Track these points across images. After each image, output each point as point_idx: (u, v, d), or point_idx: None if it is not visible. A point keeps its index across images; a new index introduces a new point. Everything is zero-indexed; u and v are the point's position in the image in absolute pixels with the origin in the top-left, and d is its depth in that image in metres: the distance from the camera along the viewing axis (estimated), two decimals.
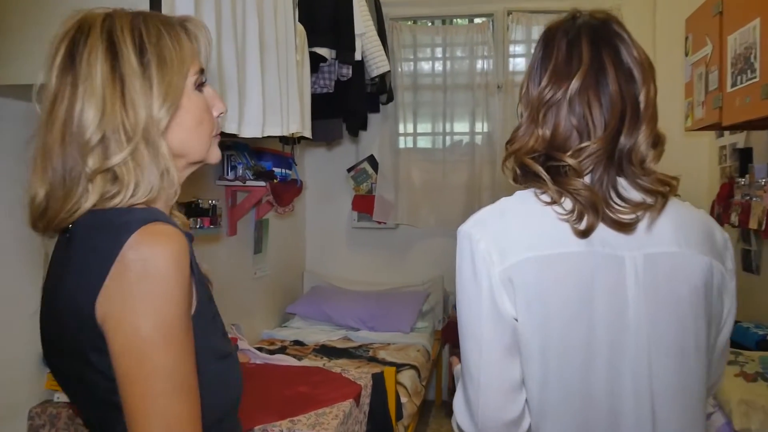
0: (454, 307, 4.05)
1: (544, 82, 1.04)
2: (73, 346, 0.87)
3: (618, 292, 0.97)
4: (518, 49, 4.15)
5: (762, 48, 2.29)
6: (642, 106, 1.02)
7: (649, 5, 3.97)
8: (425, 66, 4.31)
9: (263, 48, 2.08)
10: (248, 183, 3.11)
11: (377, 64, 3.31)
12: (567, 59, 1.03)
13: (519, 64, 4.17)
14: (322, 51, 2.94)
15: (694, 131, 2.69)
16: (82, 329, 0.84)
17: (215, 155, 1.05)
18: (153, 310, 0.82)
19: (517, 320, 0.97)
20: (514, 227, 1.00)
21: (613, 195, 0.99)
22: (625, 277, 0.97)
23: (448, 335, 3.95)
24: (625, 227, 0.97)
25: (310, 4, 2.90)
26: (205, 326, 0.93)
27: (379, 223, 4.27)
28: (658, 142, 1.03)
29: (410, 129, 4.31)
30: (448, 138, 4.27)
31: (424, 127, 4.32)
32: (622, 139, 1.00)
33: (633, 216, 0.97)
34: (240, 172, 3.14)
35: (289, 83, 2.32)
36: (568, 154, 1.00)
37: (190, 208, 2.36)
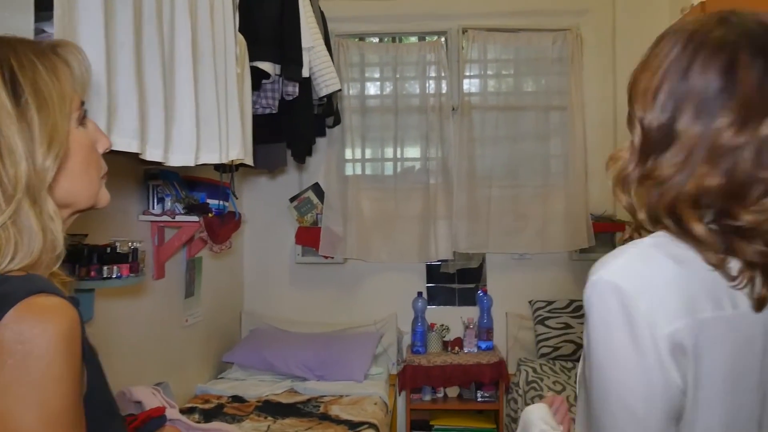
0: (411, 349, 3.70)
1: (725, 119, 0.78)
2: None
3: None
4: (474, 69, 3.87)
5: None
6: None
7: (608, 25, 3.79)
8: (374, 87, 3.97)
9: (197, 57, 1.68)
10: (178, 218, 2.67)
11: (327, 82, 2.94)
12: (761, 87, 0.78)
13: (475, 84, 3.89)
14: (265, 65, 2.55)
15: None
16: None
17: (105, 199, 0.92)
18: (38, 401, 0.71)
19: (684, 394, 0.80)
20: (670, 281, 0.80)
21: None
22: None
23: (405, 381, 3.57)
24: None
25: (250, 11, 2.51)
26: (98, 408, 0.82)
27: (326, 257, 3.86)
28: None
29: (358, 155, 3.95)
30: (399, 164, 3.93)
31: (373, 152, 3.98)
32: None
33: None
34: (168, 205, 2.70)
35: (229, 100, 1.92)
36: (751, 208, 0.77)
37: (105, 254, 1.92)
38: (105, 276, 1.90)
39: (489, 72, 3.88)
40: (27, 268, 0.78)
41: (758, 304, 0.79)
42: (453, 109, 3.84)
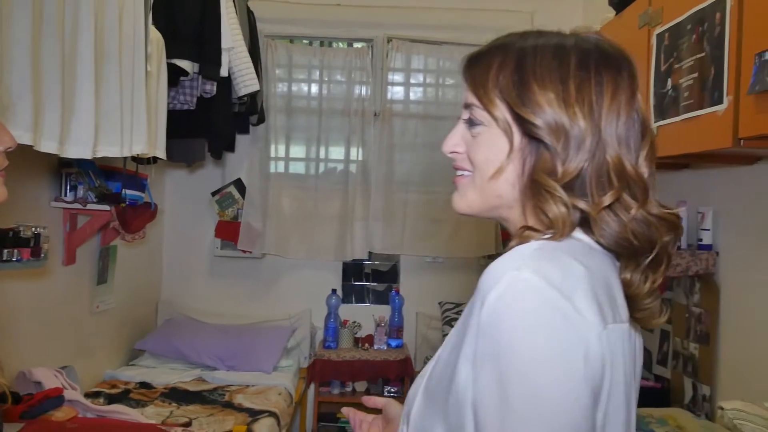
0: (323, 344, 3.83)
1: (642, 156, 0.84)
2: None
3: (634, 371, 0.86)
4: (397, 77, 4.04)
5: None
6: None
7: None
8: (301, 88, 4.09)
9: (100, 56, 1.77)
10: (90, 206, 2.73)
11: (246, 82, 3.04)
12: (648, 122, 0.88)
13: (398, 92, 4.05)
14: (183, 63, 2.64)
15: None
16: None
17: (1, 194, 0.96)
18: None
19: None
20: (586, 283, 0.75)
21: None
22: (635, 349, 0.86)
23: (314, 374, 3.71)
24: None
25: (170, 9, 2.60)
26: None
27: (244, 252, 3.97)
28: None
29: (282, 153, 4.05)
30: (322, 164, 4.06)
31: (296, 151, 4.09)
32: None
33: None
34: (81, 193, 2.76)
35: (135, 97, 2.01)
36: None
37: (7, 238, 1.98)
38: (5, 259, 1.97)
39: (412, 81, 4.05)
40: None
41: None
42: (375, 114, 3.99)
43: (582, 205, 0.79)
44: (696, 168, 2.50)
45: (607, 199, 0.79)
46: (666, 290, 2.66)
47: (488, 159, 0.84)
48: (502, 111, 0.82)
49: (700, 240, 2.40)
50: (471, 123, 0.87)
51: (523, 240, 0.80)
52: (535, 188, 0.81)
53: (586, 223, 0.81)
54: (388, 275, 4.16)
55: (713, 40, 1.77)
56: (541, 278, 0.70)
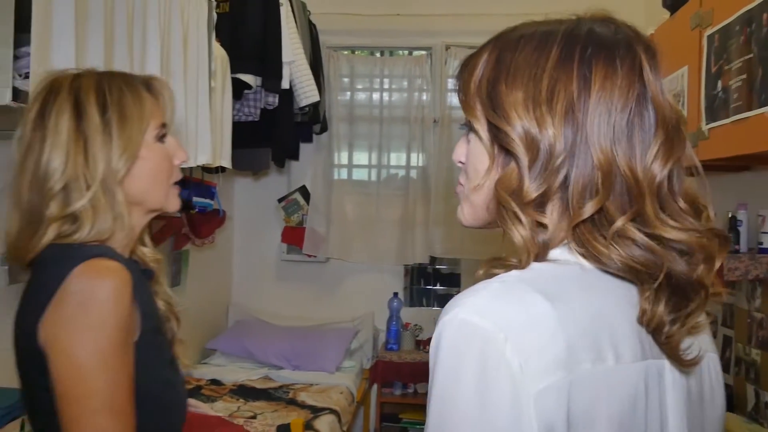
0: (385, 346, 3.92)
1: (652, 150, 0.70)
2: (22, 364, 1.00)
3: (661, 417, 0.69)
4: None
5: (689, 95, 2.27)
6: None
7: None
8: (362, 96, 4.21)
9: (166, 75, 1.92)
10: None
11: (306, 93, 3.18)
12: (670, 109, 0.73)
13: (456, 98, 4.10)
14: (246, 77, 2.81)
15: None
16: (28, 350, 0.95)
17: (174, 204, 1.14)
18: (89, 338, 0.91)
19: None
20: (542, 322, 0.64)
21: None
22: (666, 393, 0.70)
23: (376, 375, 3.81)
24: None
25: (235, 28, 2.77)
26: (148, 355, 1.01)
27: (309, 256, 4.11)
28: None
29: (345, 160, 4.19)
30: (384, 171, 4.17)
31: (359, 158, 4.21)
32: None
33: None
34: None
35: (199, 112, 2.17)
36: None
37: None
38: None
39: None
40: (103, 240, 1.01)
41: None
42: (435, 121, 4.06)
43: (548, 221, 0.69)
44: (756, 170, 2.45)
45: (588, 211, 0.67)
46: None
47: (476, 169, 0.77)
48: (480, 117, 0.74)
49: (761, 243, 2.35)
50: (468, 130, 0.80)
51: (489, 274, 0.70)
52: (499, 208, 0.72)
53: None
54: (452, 279, 4.22)
55: (761, 41, 1.75)
56: (479, 321, 0.62)
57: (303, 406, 3.09)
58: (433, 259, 4.13)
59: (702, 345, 0.72)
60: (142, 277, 1.06)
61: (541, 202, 0.69)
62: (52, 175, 1.00)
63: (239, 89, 2.84)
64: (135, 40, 1.76)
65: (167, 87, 1.14)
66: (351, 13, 4.00)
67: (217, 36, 2.45)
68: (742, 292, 2.53)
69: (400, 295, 4.09)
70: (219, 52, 2.52)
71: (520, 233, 0.69)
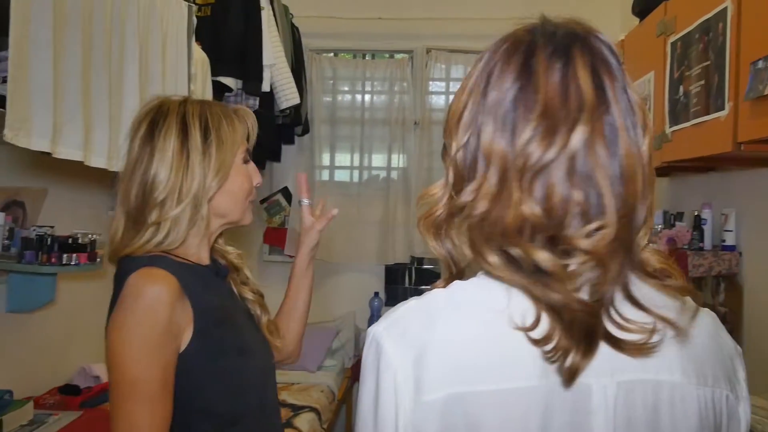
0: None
1: (527, 132, 0.66)
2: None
3: None
4: (437, 86, 4.16)
5: (655, 99, 2.34)
6: (646, 160, 0.69)
7: None
8: (344, 99, 4.26)
9: (144, 80, 1.97)
10: None
11: (287, 96, 3.23)
12: (562, 94, 0.66)
13: (437, 101, 4.18)
14: (227, 80, 2.85)
15: None
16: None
17: (248, 218, 1.31)
18: (127, 329, 1.04)
19: None
20: (444, 341, 0.66)
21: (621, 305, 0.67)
22: (590, 415, 0.65)
23: (358, 374, 3.85)
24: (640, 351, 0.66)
25: (216, 32, 2.81)
26: (208, 345, 1.13)
27: (291, 256, 4.15)
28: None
29: (327, 161, 4.24)
30: (365, 172, 4.23)
31: (341, 159, 4.27)
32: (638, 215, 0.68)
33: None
34: None
35: None
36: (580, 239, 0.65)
37: (66, 244, 2.21)
38: (65, 263, 2.20)
39: (452, 90, 4.17)
40: (179, 246, 1.15)
41: (569, 379, 0.63)
42: (415, 123, 4.13)
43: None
44: (721, 171, 2.53)
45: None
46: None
47: None
48: None
49: (724, 241, 2.43)
50: None
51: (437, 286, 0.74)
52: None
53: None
54: (432, 277, 4.27)
55: (717, 48, 1.83)
56: (382, 338, 0.69)
57: (283, 404, 3.13)
58: (421, 260, 4.20)
59: (662, 365, 0.67)
60: (204, 278, 1.19)
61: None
62: (158, 187, 1.13)
63: (220, 92, 2.89)
64: (113, 45, 1.80)
65: (251, 115, 1.29)
66: (333, 16, 4.06)
67: (197, 39, 2.49)
68: (707, 287, 2.61)
69: (381, 295, 4.14)
70: (199, 55, 2.57)
71: (438, 251, 0.74)
